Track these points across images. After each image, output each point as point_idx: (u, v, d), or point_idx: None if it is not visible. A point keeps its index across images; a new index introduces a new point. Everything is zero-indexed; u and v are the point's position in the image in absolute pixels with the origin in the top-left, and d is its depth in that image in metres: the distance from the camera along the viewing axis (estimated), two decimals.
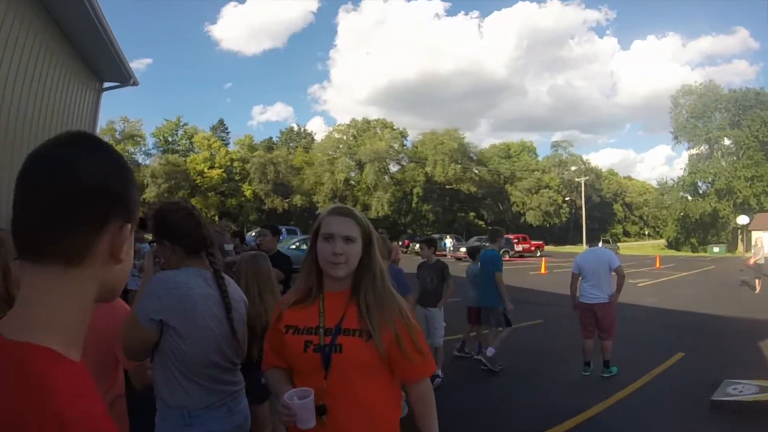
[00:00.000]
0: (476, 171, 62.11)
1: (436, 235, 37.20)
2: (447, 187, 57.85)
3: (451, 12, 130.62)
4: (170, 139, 58.28)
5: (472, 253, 8.51)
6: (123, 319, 2.30)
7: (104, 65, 11.44)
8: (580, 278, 6.97)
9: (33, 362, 0.73)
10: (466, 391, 6.32)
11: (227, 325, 2.19)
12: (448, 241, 36.54)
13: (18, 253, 0.82)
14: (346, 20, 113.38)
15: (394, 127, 60.78)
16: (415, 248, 35.76)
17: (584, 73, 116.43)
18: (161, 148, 56.87)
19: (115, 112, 56.28)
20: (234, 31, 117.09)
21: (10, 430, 0.68)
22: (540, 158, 73.09)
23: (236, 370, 2.32)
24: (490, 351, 7.01)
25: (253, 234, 24.37)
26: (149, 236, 6.05)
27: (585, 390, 6.29)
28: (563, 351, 8.00)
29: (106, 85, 12.62)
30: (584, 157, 73.83)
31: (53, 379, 0.72)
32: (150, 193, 47.47)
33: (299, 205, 54.72)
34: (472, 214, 62.32)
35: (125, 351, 2.21)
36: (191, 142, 57.88)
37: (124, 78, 12.27)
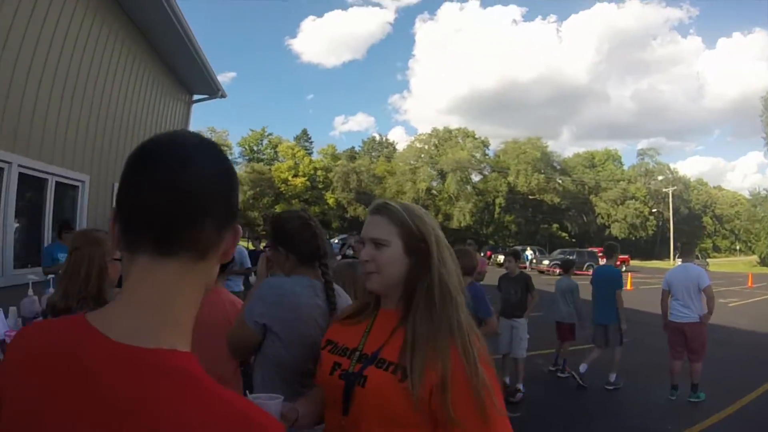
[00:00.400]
0: (560, 181, 59.52)
1: (518, 247, 36.54)
2: (530, 197, 56.15)
3: (528, 17, 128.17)
4: (255, 148, 60.27)
5: (566, 266, 8.26)
6: (231, 315, 2.52)
7: (194, 79, 12.15)
8: (670, 296, 6.58)
9: (197, 376, 0.72)
10: (550, 408, 6.17)
11: None
12: (529, 253, 35.63)
13: (134, 248, 0.77)
14: (423, 30, 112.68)
15: (476, 136, 59.98)
16: (498, 260, 35.23)
17: (669, 76, 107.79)
18: (247, 157, 58.90)
19: (202, 123, 58.68)
20: (314, 44, 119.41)
21: None
22: (625, 167, 68.29)
23: None
24: (612, 376, 6.79)
25: (337, 241, 24.77)
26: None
27: (670, 414, 5.97)
28: (649, 371, 7.62)
29: (196, 97, 13.31)
30: (671, 166, 68.59)
31: (224, 393, 0.71)
32: None
33: None
34: (555, 225, 59.66)
35: (230, 347, 2.29)
36: (276, 152, 59.65)
37: (213, 90, 12.92)
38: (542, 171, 56.54)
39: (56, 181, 6.90)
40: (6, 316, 3.62)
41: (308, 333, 2.09)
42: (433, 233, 1.52)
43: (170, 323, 0.75)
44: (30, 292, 3.87)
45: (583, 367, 6.83)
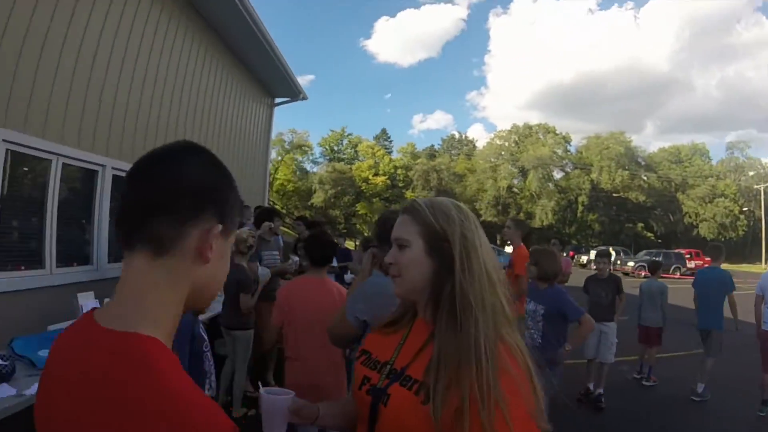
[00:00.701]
0: (644, 177, 55.91)
1: (603, 247, 35.14)
2: (614, 195, 53.20)
3: (604, 5, 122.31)
4: (336, 148, 61.14)
5: (654, 268, 8.00)
6: (338, 301, 2.89)
7: (276, 83, 12.57)
8: (764, 302, 6.16)
9: (138, 350, 0.77)
10: (630, 419, 5.94)
11: None
12: (612, 254, 34.17)
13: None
14: (497, 24, 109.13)
15: (557, 132, 57.92)
16: (581, 260, 34.22)
17: (757, 61, 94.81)
18: (327, 157, 59.81)
19: (284, 125, 60.00)
20: (389, 44, 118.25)
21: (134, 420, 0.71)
22: (713, 162, 61.93)
23: None
24: (700, 387, 6.53)
25: None
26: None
27: (758, 430, 5.66)
28: (738, 383, 7.20)
29: (278, 100, 13.74)
30: (763, 161, 61.36)
31: (162, 367, 0.76)
32: (317, 198, 50.20)
33: None
34: (640, 225, 55.56)
35: (330, 337, 2.49)
36: (356, 151, 60.32)
37: (294, 93, 13.34)
38: (626, 167, 53.56)
39: None
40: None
41: None
42: (460, 231, 1.33)
43: (139, 311, 0.83)
44: None
45: (700, 388, 6.52)
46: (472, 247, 1.32)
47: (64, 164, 5.45)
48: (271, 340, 5.56)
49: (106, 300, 0.92)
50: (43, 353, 3.49)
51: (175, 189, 0.86)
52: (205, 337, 2.57)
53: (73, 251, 5.77)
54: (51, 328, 4.25)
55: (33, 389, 2.98)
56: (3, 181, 4.67)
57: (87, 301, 4.56)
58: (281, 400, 1.48)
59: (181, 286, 0.88)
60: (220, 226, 0.89)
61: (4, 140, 4.62)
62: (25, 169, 5.14)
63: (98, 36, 5.92)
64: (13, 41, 4.68)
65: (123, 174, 6.58)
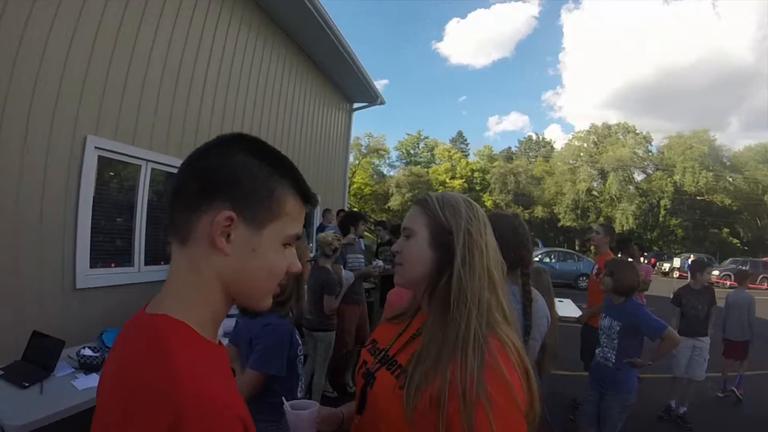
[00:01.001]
0: (730, 179, 49.99)
1: (687, 254, 33.16)
2: (697, 198, 48.76)
3: None
4: (412, 151, 61.05)
5: (741, 277, 7.54)
6: None
7: (354, 89, 12.80)
8: None
9: (156, 328, 0.81)
10: None
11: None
12: (690, 261, 31.91)
13: None
14: (569, 20, 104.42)
15: (637, 131, 54.82)
16: (662, 268, 32.46)
17: None
18: (404, 161, 59.83)
19: (360, 129, 60.44)
20: (461, 45, 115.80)
21: (136, 391, 0.74)
22: None
23: None
24: None
25: None
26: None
27: None
28: None
29: (356, 105, 13.95)
30: None
31: (172, 343, 0.78)
32: (394, 202, 50.29)
33: (539, 216, 52.30)
34: (725, 230, 50.44)
35: None
36: (432, 154, 60.10)
37: (372, 98, 13.49)
38: (710, 168, 48.28)
39: None
40: None
41: None
42: (465, 226, 1.31)
43: (170, 296, 0.87)
44: None
45: None
46: (476, 244, 1.30)
47: (152, 169, 5.80)
48: (352, 341, 5.69)
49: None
50: None
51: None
52: (300, 342, 2.67)
53: (159, 251, 6.12)
54: None
55: None
56: (96, 185, 5.02)
57: None
58: (307, 413, 1.50)
59: (205, 275, 0.86)
60: (229, 213, 0.83)
61: (96, 147, 4.98)
62: (112, 173, 5.49)
63: (182, 48, 6.28)
64: (102, 55, 5.04)
65: None
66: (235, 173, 0.85)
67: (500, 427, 1.06)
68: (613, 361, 3.88)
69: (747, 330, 6.66)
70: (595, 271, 5.81)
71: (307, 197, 0.95)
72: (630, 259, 6.07)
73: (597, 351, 4.10)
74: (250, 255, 0.87)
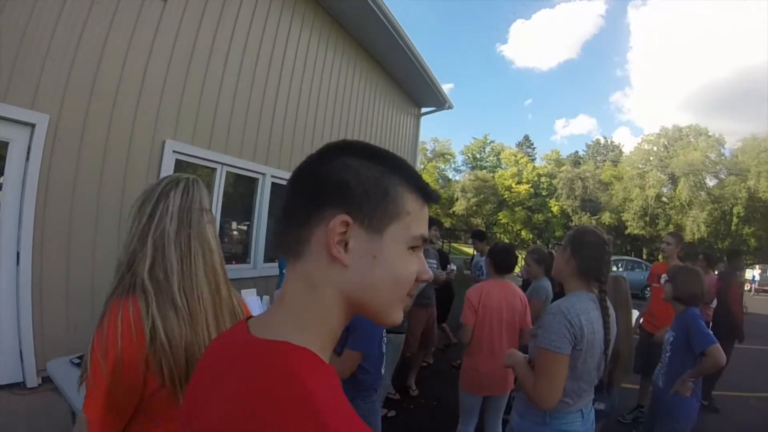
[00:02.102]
0: None
1: (759, 266, 31.17)
2: None
3: None
4: (478, 156, 60.53)
5: None
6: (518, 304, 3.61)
7: (422, 94, 12.81)
8: None
9: (284, 360, 0.72)
10: None
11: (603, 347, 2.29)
12: (757, 273, 29.67)
13: None
14: (637, 18, 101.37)
15: (710, 134, 51.49)
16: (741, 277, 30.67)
17: None
18: (470, 165, 59.37)
19: (426, 134, 60.40)
20: (526, 48, 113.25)
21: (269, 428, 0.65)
22: None
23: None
24: None
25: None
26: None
27: None
28: None
29: (424, 110, 13.94)
30: None
31: (309, 382, 0.69)
32: (459, 206, 49.95)
33: (607, 223, 49.10)
34: None
35: None
36: (498, 159, 59.38)
37: (440, 103, 13.46)
38: None
39: None
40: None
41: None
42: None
43: (288, 320, 0.79)
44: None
45: None
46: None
47: (227, 172, 5.99)
48: (416, 344, 5.68)
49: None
50: None
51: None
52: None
53: (236, 251, 6.29)
54: None
55: None
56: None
57: (249, 297, 4.87)
58: None
59: (325, 293, 0.79)
60: (344, 217, 0.77)
61: (174, 151, 5.19)
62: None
63: (256, 55, 6.48)
64: (179, 63, 5.25)
65: (281, 182, 7.11)
66: (344, 176, 0.78)
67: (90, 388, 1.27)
68: (663, 379, 3.46)
69: None
70: (662, 281, 5.60)
71: (427, 194, 0.86)
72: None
73: (657, 368, 3.64)
74: (372, 263, 0.79)
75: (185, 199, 1.51)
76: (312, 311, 0.79)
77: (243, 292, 4.96)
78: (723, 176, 48.70)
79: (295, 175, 0.83)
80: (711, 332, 3.34)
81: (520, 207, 53.31)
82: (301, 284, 0.80)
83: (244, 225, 6.73)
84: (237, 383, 0.72)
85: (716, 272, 6.89)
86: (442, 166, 57.30)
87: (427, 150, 53.67)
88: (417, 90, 12.51)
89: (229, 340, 0.85)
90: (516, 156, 57.61)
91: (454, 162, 59.11)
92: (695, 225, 45.01)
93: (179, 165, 5.32)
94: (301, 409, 0.66)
